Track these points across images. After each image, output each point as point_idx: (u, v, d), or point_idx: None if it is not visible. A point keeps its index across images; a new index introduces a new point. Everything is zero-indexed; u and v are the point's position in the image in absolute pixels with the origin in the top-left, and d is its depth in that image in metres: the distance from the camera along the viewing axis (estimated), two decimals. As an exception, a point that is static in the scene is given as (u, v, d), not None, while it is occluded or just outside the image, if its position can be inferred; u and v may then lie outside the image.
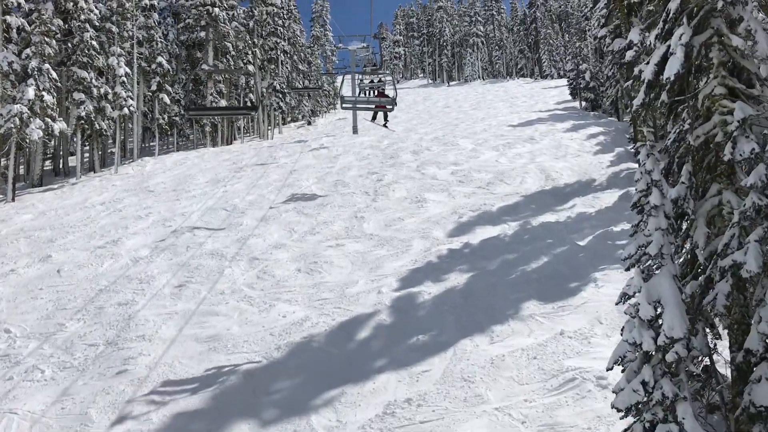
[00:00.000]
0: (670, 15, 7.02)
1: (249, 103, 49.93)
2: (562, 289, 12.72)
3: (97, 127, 37.15)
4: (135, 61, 40.34)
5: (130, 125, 40.64)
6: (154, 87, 41.97)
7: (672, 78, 6.79)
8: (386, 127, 27.63)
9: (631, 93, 21.46)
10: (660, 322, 5.90)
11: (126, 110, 36.96)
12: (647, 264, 6.22)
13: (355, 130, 43.19)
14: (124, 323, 13.15)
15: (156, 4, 45.15)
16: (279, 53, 54.82)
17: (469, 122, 43.05)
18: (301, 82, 64.71)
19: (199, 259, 17.15)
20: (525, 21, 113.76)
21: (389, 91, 27.48)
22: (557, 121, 38.05)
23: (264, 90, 53.72)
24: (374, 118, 26.58)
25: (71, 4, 36.07)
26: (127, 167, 37.49)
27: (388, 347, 11.19)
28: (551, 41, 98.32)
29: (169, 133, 45.50)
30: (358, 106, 23.15)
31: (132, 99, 37.74)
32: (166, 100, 42.27)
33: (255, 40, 54.47)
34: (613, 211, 19.14)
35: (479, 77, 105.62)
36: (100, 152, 45.19)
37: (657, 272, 6.09)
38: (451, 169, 26.51)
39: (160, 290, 14.92)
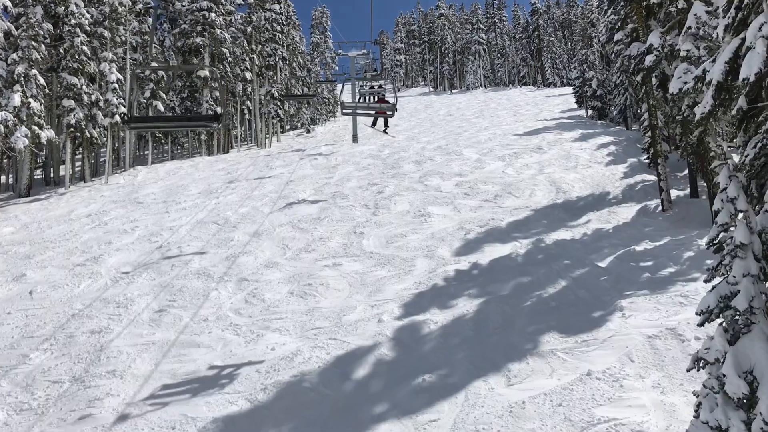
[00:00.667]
0: (744, 1, 5.65)
1: (213, 113, 47.68)
2: (585, 320, 11.32)
3: (88, 135, 35.84)
4: (128, 67, 39.07)
5: (123, 133, 39.28)
6: (147, 94, 40.67)
7: (752, 78, 5.40)
8: (386, 133, 27.08)
9: (649, 100, 20.02)
10: (755, 402, 4.48)
11: (117, 118, 35.62)
12: (733, 321, 4.79)
13: (355, 139, 41.94)
14: (95, 355, 11.74)
15: (151, 8, 43.89)
16: (277, 60, 53.57)
17: (472, 131, 41.73)
18: (300, 90, 63.49)
19: (184, 279, 15.76)
20: (527, 29, 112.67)
21: (389, 98, 26.78)
22: (564, 130, 36.72)
23: (262, 97, 52.45)
24: (374, 124, 26.19)
25: (62, 8, 34.85)
26: (119, 177, 36.16)
27: (389, 389, 9.78)
28: (554, 49, 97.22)
29: (163, 141, 44.16)
30: (358, 112, 22.89)
31: (124, 106, 36.43)
32: (160, 107, 40.96)
33: (253, 46, 53.27)
34: (632, 227, 17.78)
35: (481, 85, 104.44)
36: (92, 161, 43.93)
37: (747, 333, 4.67)
38: (455, 180, 25.15)
39: (139, 315, 13.52)
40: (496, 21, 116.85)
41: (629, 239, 16.28)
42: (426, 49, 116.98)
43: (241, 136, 55.15)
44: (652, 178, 24.12)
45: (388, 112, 22.62)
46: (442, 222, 19.42)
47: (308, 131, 60.74)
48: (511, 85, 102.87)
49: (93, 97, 35.72)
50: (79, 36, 34.87)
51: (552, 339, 10.66)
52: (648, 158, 25.85)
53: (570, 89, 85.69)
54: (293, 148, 44.84)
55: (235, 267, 16.45)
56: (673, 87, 15.48)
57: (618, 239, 16.39)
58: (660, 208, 19.53)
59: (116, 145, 42.09)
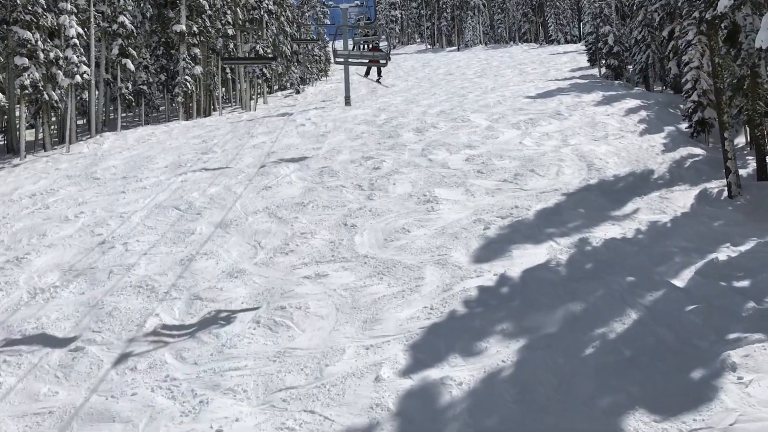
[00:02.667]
0: None
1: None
2: (682, 385, 7.65)
3: (47, 98, 31.70)
4: (92, 19, 34.68)
5: (86, 95, 35.11)
6: (115, 51, 36.33)
7: None
8: (380, 83, 26.98)
9: (715, 57, 16.03)
10: None
11: (78, 78, 31.44)
12: None
13: (347, 101, 37.86)
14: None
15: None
16: (263, 13, 49.01)
17: (477, 92, 37.62)
18: (289, 47, 58.96)
19: (120, 295, 12.02)
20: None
21: (383, 47, 23.91)
22: (582, 91, 32.71)
23: (246, 54, 48.04)
24: (368, 73, 26.07)
25: (10, -50, 30.38)
26: (83, 145, 32.22)
27: None
28: (557, 3, 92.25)
29: (134, 104, 39.94)
30: (351, 60, 22.52)
31: (86, 65, 32.21)
32: (130, 66, 36.66)
33: (237, -2, 48.67)
34: (696, 220, 14.06)
35: (480, 42, 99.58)
36: (56, 127, 39.82)
37: None
38: (464, 153, 21.29)
39: (43, 359, 9.81)
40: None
41: (700, 239, 12.57)
42: (423, 5, 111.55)
43: (223, 97, 50.85)
44: (699, 152, 20.34)
45: (381, 61, 22.22)
46: (453, 210, 15.65)
47: (297, 92, 56.43)
48: (512, 42, 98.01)
49: (51, 55, 31.46)
50: (31, -17, 30.51)
51: (641, 425, 6.98)
52: (691, 127, 22.06)
53: (575, 46, 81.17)
54: (279, 111, 40.70)
55: (189, 276, 12.70)
56: (764, 40, 11.70)
57: (685, 239, 12.67)
58: (726, 193, 15.78)
59: (90, 109, 37.87)
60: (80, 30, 31.89)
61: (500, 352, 8.78)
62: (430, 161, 20.72)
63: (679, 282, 10.54)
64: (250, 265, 13.04)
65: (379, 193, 17.73)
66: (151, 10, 46.87)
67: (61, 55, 31.56)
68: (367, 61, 22.94)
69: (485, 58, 74.54)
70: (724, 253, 11.52)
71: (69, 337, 10.45)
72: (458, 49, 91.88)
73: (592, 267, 11.54)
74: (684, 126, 23.19)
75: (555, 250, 12.48)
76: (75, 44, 31.43)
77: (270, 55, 44.55)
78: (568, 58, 63.96)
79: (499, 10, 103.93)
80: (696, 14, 24.81)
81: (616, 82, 39.21)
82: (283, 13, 59.19)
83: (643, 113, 25.57)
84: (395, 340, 9.43)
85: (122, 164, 25.23)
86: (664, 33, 33.58)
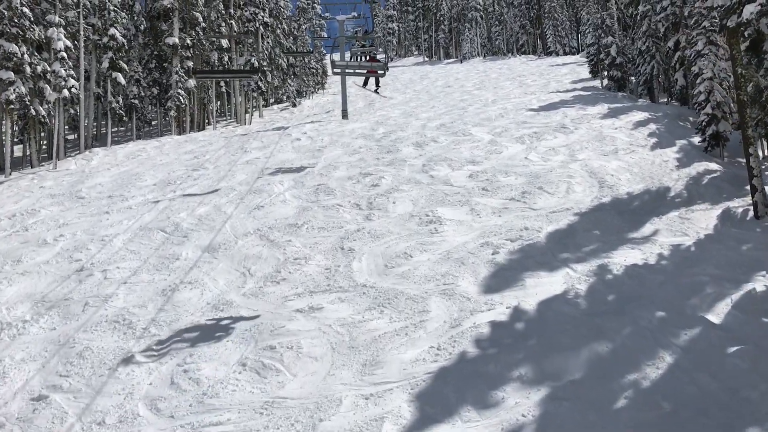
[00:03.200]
0: None
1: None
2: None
3: (33, 113, 30.69)
4: (81, 32, 33.68)
5: (75, 110, 34.05)
6: (105, 64, 35.30)
7: None
8: (377, 93, 26.65)
9: (737, 67, 14.98)
10: None
11: (66, 92, 30.40)
12: None
13: (344, 115, 36.80)
14: None
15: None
16: (258, 26, 48.10)
17: (478, 105, 36.65)
18: (285, 60, 58.05)
19: (94, 331, 10.89)
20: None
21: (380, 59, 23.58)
22: (586, 104, 31.72)
23: (241, 67, 47.10)
24: (366, 83, 26.03)
25: (-5, -39, 29.44)
26: (71, 161, 31.06)
27: None
28: (556, 15, 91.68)
29: (125, 118, 38.85)
30: (348, 70, 22.56)
31: (74, 79, 31.18)
32: (121, 79, 35.63)
33: (231, 10, 47.78)
34: (723, 244, 12.97)
35: (478, 54, 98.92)
36: (45, 142, 38.76)
37: None
38: (467, 169, 20.23)
39: (3, 407, 8.67)
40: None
41: (731, 266, 11.47)
42: (420, 17, 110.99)
43: (217, 111, 49.85)
44: (716, 167, 19.29)
45: (379, 71, 22.37)
46: (458, 232, 14.56)
47: (294, 105, 55.48)
48: (510, 54, 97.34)
49: (39, 69, 30.45)
50: (18, -5, 29.56)
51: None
52: (704, 141, 21.05)
53: (574, 58, 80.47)
54: (275, 124, 39.69)
55: (170, 309, 11.56)
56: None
57: (714, 266, 11.57)
58: (753, 213, 14.69)
59: (85, 123, 36.77)
60: (68, 43, 30.87)
61: (519, 404, 7.67)
62: (431, 178, 19.66)
63: (715, 317, 9.43)
64: (237, 295, 11.91)
65: (378, 212, 16.65)
66: (144, 22, 45.95)
67: (48, 69, 30.57)
68: (365, 71, 23.08)
69: (484, 70, 73.75)
70: (761, 283, 10.42)
71: (32, 383, 9.31)
72: (461, 62, 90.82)
73: (615, 299, 10.44)
74: (697, 140, 22.17)
75: (572, 278, 11.38)
76: (63, 57, 30.40)
77: (248, 69, 41.98)
78: (568, 70, 63.12)
79: (496, 22, 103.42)
80: (706, 23, 23.93)
81: (620, 93, 38.25)
82: (279, 25, 58.36)
83: (653, 126, 24.54)
84: (399, 388, 8.31)
85: (109, 182, 24.14)
86: (670, 43, 32.67)
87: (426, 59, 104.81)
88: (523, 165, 20.25)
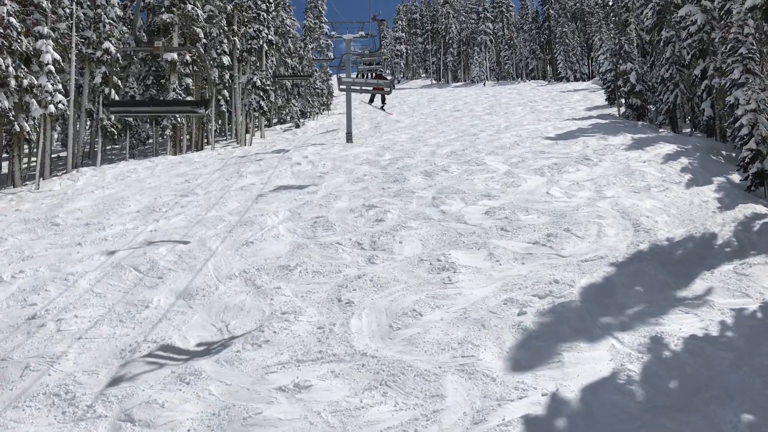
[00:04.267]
0: None
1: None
2: None
3: (18, 129, 28.83)
4: (73, 45, 31.88)
5: (56, 130, 32.16)
6: (98, 79, 33.44)
7: None
8: (383, 110, 27.48)
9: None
10: None
11: (52, 108, 28.51)
12: None
13: (349, 138, 34.88)
14: None
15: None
16: (262, 43, 46.38)
17: (490, 131, 34.67)
18: (289, 80, 56.33)
19: (25, 408, 8.77)
20: (537, 19, 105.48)
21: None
22: (606, 133, 29.71)
23: (243, 85, 45.31)
24: (372, 100, 27.41)
25: (-19, -32, 27.75)
26: (55, 181, 29.10)
27: None
28: (567, 40, 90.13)
29: (116, 137, 36.94)
30: (355, 87, 22.91)
31: (62, 93, 29.30)
32: (114, 95, 33.76)
33: (235, 27, 46.13)
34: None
35: (487, 78, 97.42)
36: (34, 159, 36.88)
37: None
38: (483, 204, 18.15)
39: None
40: (504, 10, 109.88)
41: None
42: (429, 39, 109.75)
43: (217, 130, 47.97)
44: (764, 210, 17.19)
45: (385, 89, 22.66)
46: (475, 283, 12.44)
47: (297, 126, 53.67)
48: (519, 79, 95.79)
49: (26, 83, 28.64)
50: (5, 5, 27.80)
51: None
52: (747, 179, 18.98)
53: (585, 84, 78.76)
54: (275, 146, 37.76)
55: (126, 377, 9.43)
56: None
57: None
58: (824, 270, 12.59)
59: (78, 140, 34.81)
60: (57, 56, 29.03)
61: None
62: (442, 213, 17.57)
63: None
64: (209, 362, 9.78)
65: (382, 254, 14.54)
66: (145, 37, 44.31)
67: (35, 83, 28.74)
68: (371, 88, 23.32)
69: (493, 95, 72.09)
70: None
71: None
72: (485, 84, 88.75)
73: (678, 387, 8.29)
74: (737, 177, 20.11)
75: (620, 354, 9.22)
76: (50, 71, 28.55)
77: (188, 100, 28.63)
78: (581, 96, 61.39)
79: (506, 47, 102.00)
80: (743, 50, 21.96)
81: (640, 123, 36.27)
82: (285, 44, 56.73)
83: (684, 160, 22.48)
84: None
85: (90, 207, 22.15)
86: (696, 71, 30.76)
87: (434, 82, 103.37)
88: (545, 201, 18.16)
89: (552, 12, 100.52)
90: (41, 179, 29.96)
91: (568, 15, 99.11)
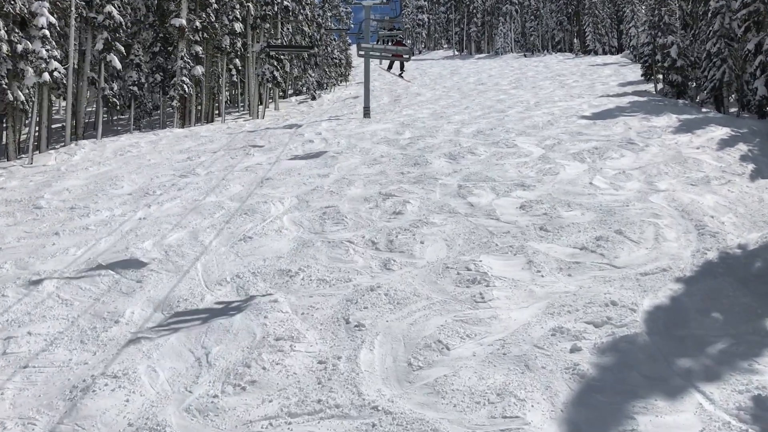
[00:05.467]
0: None
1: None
2: None
3: (11, 98, 26.80)
4: (73, 8, 29.66)
5: (58, 97, 30.09)
6: (100, 46, 31.24)
7: None
8: (402, 77, 27.52)
9: None
10: None
11: (47, 76, 26.41)
12: None
13: (366, 113, 32.49)
14: None
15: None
16: (276, 10, 43.87)
17: (519, 108, 32.15)
18: (287, 51, 53.81)
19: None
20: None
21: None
22: (648, 113, 27.13)
23: (255, 54, 42.89)
24: (390, 67, 27.13)
25: None
26: (51, 155, 27.13)
27: None
28: (597, 12, 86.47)
29: (119, 107, 34.81)
30: (374, 54, 23.58)
31: (58, 60, 27.16)
32: (116, 63, 31.57)
33: (249, -8, 43.64)
34: None
35: (511, 50, 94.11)
36: (33, 130, 34.90)
37: None
38: (517, 196, 15.86)
39: None
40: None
41: None
42: (452, 8, 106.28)
43: (228, 101, 45.69)
44: None
45: (404, 55, 23.02)
46: (513, 301, 10.20)
47: (313, 98, 51.36)
48: (545, 51, 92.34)
49: (20, 48, 26.55)
50: (-4, -38, 25.66)
51: None
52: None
53: (614, 58, 75.38)
54: (288, 120, 35.52)
55: (69, 430, 7.38)
56: None
57: None
58: None
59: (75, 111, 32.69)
60: (52, 19, 26.85)
61: None
62: (470, 206, 15.30)
63: None
64: (177, 410, 7.66)
65: (400, 257, 12.34)
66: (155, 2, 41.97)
67: (30, 48, 26.63)
68: (390, 54, 23.68)
69: (518, 67, 69.19)
70: None
71: None
72: (525, 55, 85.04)
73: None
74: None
75: (713, 420, 6.97)
76: (45, 36, 26.43)
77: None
78: (612, 71, 58.38)
79: (532, 17, 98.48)
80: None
81: (680, 101, 33.54)
82: (302, 11, 54.11)
83: (743, 147, 19.97)
84: None
85: (80, 186, 20.17)
86: (750, 45, 27.92)
87: (456, 53, 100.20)
88: (589, 193, 15.81)
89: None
90: (37, 152, 28.04)
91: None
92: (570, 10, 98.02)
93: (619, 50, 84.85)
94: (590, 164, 18.58)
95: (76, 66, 33.65)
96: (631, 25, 67.88)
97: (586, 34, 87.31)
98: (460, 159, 20.35)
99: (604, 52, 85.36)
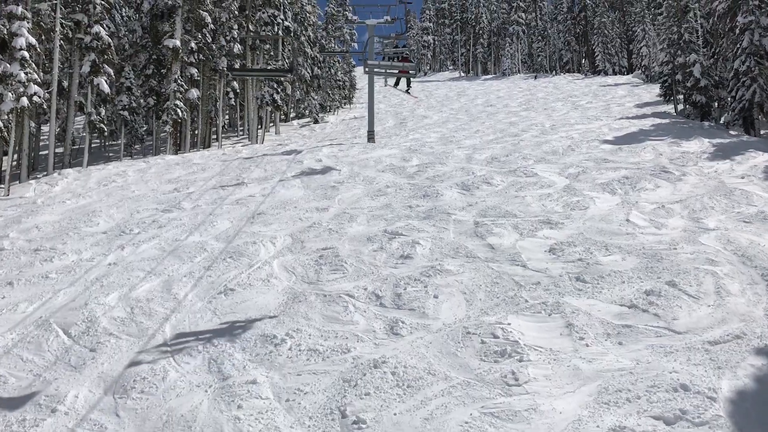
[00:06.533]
0: None
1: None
2: None
3: (-12, 124, 24.93)
4: (57, 28, 27.86)
5: (32, 125, 28.17)
6: (86, 68, 29.38)
7: None
8: (408, 93, 27.65)
9: None
10: None
11: (25, 101, 24.50)
12: None
13: (370, 137, 30.53)
14: None
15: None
16: (277, 30, 42.11)
17: (534, 131, 30.12)
18: (308, 69, 52.08)
19: None
20: (573, 9, 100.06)
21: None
22: (677, 136, 25.04)
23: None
24: (397, 83, 27.27)
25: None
26: (31, 185, 25.19)
27: None
28: (606, 31, 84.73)
29: (106, 133, 32.87)
30: (380, 70, 23.46)
31: (38, 84, 25.28)
32: (104, 86, 29.69)
33: (249, 12, 41.94)
34: None
35: (518, 71, 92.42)
36: (11, 159, 33.00)
37: None
38: (544, 237, 13.70)
39: None
40: (536, 0, 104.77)
41: None
42: (458, 29, 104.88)
43: (227, 125, 43.77)
44: None
45: (410, 71, 23.17)
46: (554, 383, 8.02)
47: (316, 121, 49.48)
48: (553, 72, 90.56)
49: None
50: (-28, -21, 23.90)
51: None
52: None
53: (625, 78, 73.48)
54: (288, 146, 33.54)
55: None
56: None
57: None
58: None
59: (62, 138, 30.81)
60: (32, 40, 25.00)
61: None
62: (490, 248, 13.15)
63: None
64: None
65: (410, 317, 10.19)
66: (148, 22, 40.29)
67: (9, 71, 24.78)
68: (396, 71, 23.61)
69: (527, 89, 67.34)
70: None
71: None
72: (535, 78, 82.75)
73: None
74: None
75: None
76: (24, 58, 24.54)
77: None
78: (625, 91, 56.38)
79: (539, 38, 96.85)
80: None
81: (706, 123, 31.44)
82: (304, 32, 52.43)
83: (792, 176, 17.81)
84: None
85: (52, 223, 18.15)
86: None
87: (462, 74, 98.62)
88: (627, 233, 13.63)
89: (589, 1, 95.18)
90: (17, 183, 26.11)
91: (606, 4, 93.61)
92: (578, 30, 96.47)
93: (629, 70, 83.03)
94: (623, 196, 16.43)
95: (67, 89, 31.89)
96: (642, 44, 66.02)
97: (596, 54, 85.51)
98: (474, 190, 18.25)
99: (614, 73, 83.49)
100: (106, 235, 16.55)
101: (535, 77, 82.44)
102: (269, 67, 39.38)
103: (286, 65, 44.14)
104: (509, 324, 9.57)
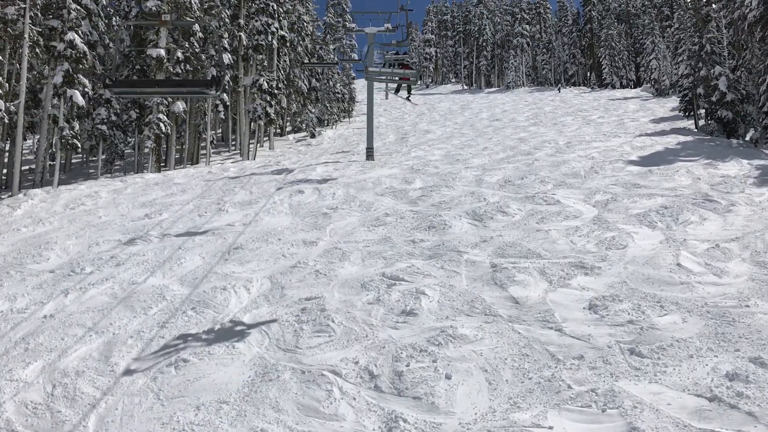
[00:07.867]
0: None
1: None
2: None
3: (-55, 140, 22.36)
4: (26, 34, 25.37)
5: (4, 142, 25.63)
6: (59, 78, 26.87)
7: None
8: (409, 100, 27.63)
9: None
10: None
11: (-14, 114, 21.99)
12: None
13: (369, 155, 28.00)
14: None
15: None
16: (271, 40, 39.66)
17: (547, 149, 27.57)
18: (305, 82, 49.65)
19: None
20: (578, 21, 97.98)
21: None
22: (708, 156, 22.50)
23: (246, 87, 38.60)
24: (398, 90, 27.30)
25: None
26: (-8, 207, 22.59)
27: None
28: (613, 44, 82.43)
29: (78, 150, 30.31)
30: (381, 77, 23.31)
31: (1, 99, 22.76)
32: (78, 98, 27.14)
33: (242, 21, 39.54)
34: None
35: (523, 84, 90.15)
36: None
37: None
38: (580, 286, 11.07)
39: None
40: (541, 12, 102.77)
41: None
42: (460, 42, 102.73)
43: (214, 141, 41.21)
44: None
45: (411, 78, 22.71)
46: None
47: (312, 135, 46.98)
48: (558, 85, 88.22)
49: (-41, 81, 22.20)
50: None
51: None
52: None
53: (634, 91, 71.13)
54: (280, 163, 31.01)
55: None
56: None
57: None
58: None
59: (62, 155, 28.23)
60: (-7, 47, 22.51)
61: None
62: (514, 303, 10.54)
63: None
64: None
65: (414, 410, 7.59)
66: (131, 29, 37.89)
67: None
68: (396, 78, 23.15)
69: (533, 102, 64.98)
70: None
71: None
72: (558, 90, 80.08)
73: None
74: None
75: None
76: (-15, 67, 22.04)
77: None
78: (637, 105, 53.96)
79: (544, 50, 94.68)
80: None
81: (734, 141, 28.91)
82: (301, 42, 50.03)
83: None
84: None
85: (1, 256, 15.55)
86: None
87: (465, 87, 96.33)
88: (682, 282, 11.00)
89: (594, 14, 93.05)
90: (-25, 205, 23.47)
91: (612, 16, 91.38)
92: (584, 42, 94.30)
93: (637, 83, 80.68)
94: (665, 232, 13.83)
95: (43, 102, 29.43)
96: (651, 57, 63.66)
97: (603, 66, 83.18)
98: (487, 220, 15.66)
99: (622, 86, 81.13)
100: (53, 274, 13.96)
101: (559, 90, 79.88)
102: (178, 79, 29.11)
103: (210, 75, 33.89)
104: (551, 429, 6.94)
